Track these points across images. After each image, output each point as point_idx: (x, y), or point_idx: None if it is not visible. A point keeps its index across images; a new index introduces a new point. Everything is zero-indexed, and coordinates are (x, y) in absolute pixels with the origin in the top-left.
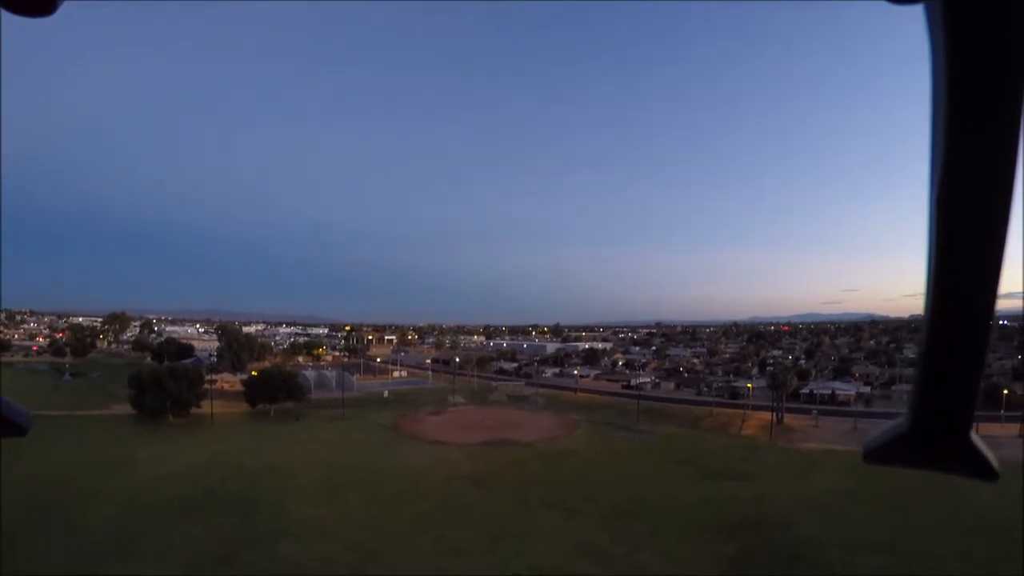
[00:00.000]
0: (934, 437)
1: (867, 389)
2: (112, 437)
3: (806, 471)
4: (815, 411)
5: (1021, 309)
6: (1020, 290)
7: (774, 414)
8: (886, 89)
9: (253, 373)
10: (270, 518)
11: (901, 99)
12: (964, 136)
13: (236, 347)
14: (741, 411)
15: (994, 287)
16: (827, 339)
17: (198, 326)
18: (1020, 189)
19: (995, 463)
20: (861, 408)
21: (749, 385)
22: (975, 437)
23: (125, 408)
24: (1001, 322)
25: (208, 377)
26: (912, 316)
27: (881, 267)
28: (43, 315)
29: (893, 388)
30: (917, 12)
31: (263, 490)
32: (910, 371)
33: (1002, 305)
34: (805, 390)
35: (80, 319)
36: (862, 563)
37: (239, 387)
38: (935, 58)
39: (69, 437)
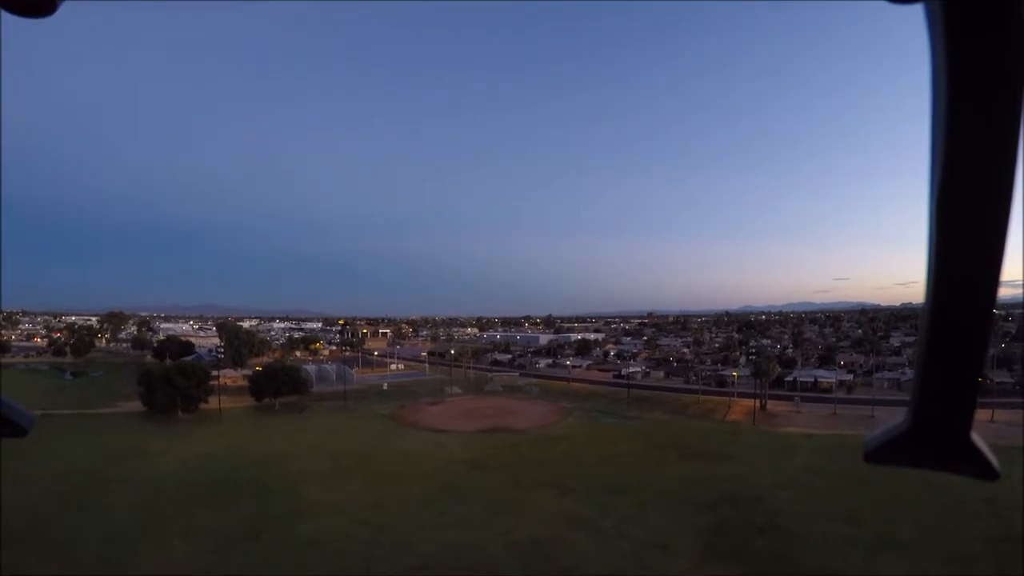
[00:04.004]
0: (934, 436)
1: (849, 377)
2: (127, 432)
3: (784, 452)
4: (797, 398)
5: (1021, 297)
6: (1020, 279)
7: (757, 400)
8: (883, 85)
9: (257, 368)
10: (286, 500)
11: (898, 94)
12: (964, 135)
13: (236, 343)
14: (727, 398)
15: (994, 287)
16: (815, 327)
17: (192, 323)
18: (1020, 188)
19: (996, 462)
20: (842, 395)
21: (735, 374)
22: (975, 436)
23: (134, 405)
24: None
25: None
26: (904, 304)
27: (875, 255)
28: (36, 315)
29: (875, 376)
30: (917, 11)
31: (276, 476)
32: (893, 359)
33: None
34: (789, 378)
35: (73, 318)
36: (826, 532)
37: (241, 382)
38: (935, 57)
39: (86, 433)
